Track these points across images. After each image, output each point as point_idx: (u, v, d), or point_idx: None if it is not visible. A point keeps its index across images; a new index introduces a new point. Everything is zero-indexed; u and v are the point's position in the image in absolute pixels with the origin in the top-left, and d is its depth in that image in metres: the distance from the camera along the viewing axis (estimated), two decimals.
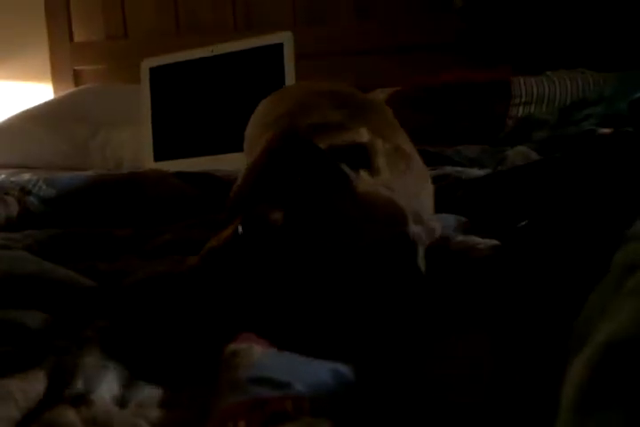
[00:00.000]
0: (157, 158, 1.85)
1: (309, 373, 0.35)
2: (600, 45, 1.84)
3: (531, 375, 0.30)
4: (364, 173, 0.58)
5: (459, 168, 1.27)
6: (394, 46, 2.18)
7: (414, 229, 0.54)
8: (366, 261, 0.49)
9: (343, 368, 0.37)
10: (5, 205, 0.91)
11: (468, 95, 1.68)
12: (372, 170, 0.59)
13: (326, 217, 0.51)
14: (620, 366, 0.21)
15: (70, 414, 0.36)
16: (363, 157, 0.60)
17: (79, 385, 0.39)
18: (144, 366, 0.42)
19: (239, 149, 0.99)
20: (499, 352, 0.33)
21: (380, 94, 1.83)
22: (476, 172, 1.24)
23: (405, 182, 0.62)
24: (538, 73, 1.72)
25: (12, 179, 1.72)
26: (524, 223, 0.63)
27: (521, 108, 1.61)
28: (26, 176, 1.91)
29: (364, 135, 0.64)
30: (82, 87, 2.53)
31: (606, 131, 0.67)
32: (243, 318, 0.46)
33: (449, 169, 1.22)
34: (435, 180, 0.97)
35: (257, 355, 0.38)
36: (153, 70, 1.91)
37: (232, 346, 0.40)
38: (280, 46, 1.74)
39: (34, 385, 0.40)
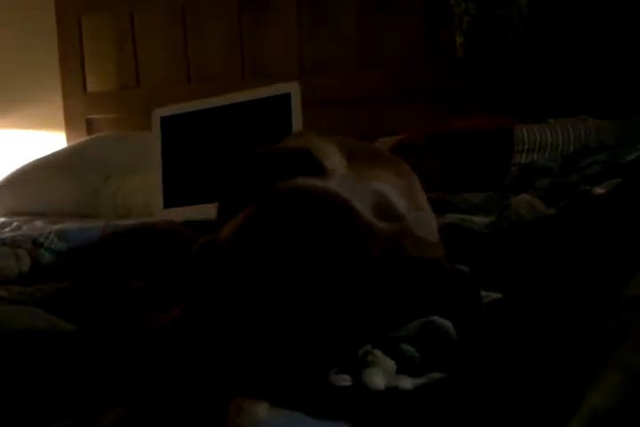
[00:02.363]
0: (167, 205, 1.88)
1: None
2: (602, 92, 1.88)
3: None
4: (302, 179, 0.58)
5: (463, 216, 1.29)
6: (398, 94, 2.23)
7: (377, 229, 0.53)
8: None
9: None
10: (17, 258, 0.92)
11: (472, 143, 1.70)
12: (322, 172, 0.61)
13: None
14: None
15: None
16: (309, 161, 0.62)
17: None
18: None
19: None
20: (487, 409, 0.34)
21: (384, 144, 1.86)
22: (480, 219, 1.25)
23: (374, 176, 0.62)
24: (540, 120, 1.75)
25: (24, 228, 1.75)
26: (524, 278, 0.65)
27: (524, 156, 1.63)
28: (38, 224, 1.94)
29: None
30: (94, 136, 2.59)
31: (601, 191, 0.69)
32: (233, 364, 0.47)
33: (452, 217, 1.24)
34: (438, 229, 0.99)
35: (262, 414, 0.39)
36: (164, 119, 1.96)
37: (237, 401, 0.41)
38: (287, 96, 1.78)
39: None
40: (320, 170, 0.64)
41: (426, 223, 0.72)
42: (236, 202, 0.63)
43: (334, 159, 0.68)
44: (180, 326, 0.52)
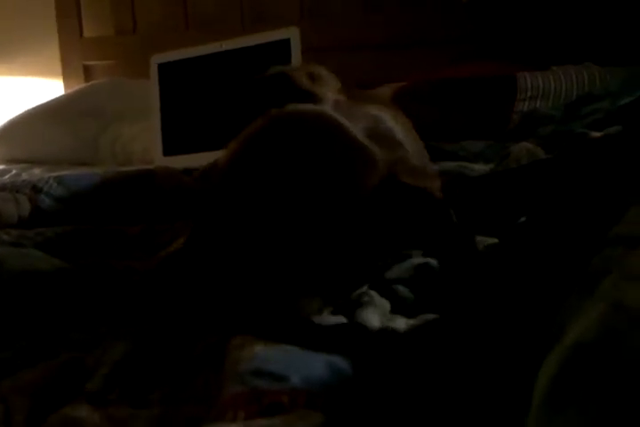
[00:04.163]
0: (167, 153, 1.88)
1: (306, 366, 0.37)
2: (607, 40, 1.84)
3: (508, 373, 0.31)
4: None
5: (462, 163, 1.28)
6: (400, 41, 2.18)
7: (370, 154, 0.53)
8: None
9: (340, 361, 0.39)
10: (17, 203, 0.93)
11: (474, 90, 1.68)
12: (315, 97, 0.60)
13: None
14: (585, 367, 0.23)
15: (88, 411, 0.38)
16: (287, 85, 0.62)
17: (98, 383, 0.41)
18: (156, 362, 0.44)
19: None
20: (479, 347, 0.35)
21: (387, 90, 1.84)
22: (480, 167, 1.25)
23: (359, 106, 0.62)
24: (543, 68, 1.72)
25: (24, 176, 1.75)
26: (520, 221, 0.65)
27: (526, 103, 1.61)
28: (36, 171, 1.94)
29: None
30: (91, 83, 2.55)
31: (597, 134, 0.69)
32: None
33: (451, 165, 1.23)
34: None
35: (258, 348, 0.40)
36: (162, 66, 1.93)
37: (237, 339, 0.42)
38: (287, 42, 1.75)
39: (48, 379, 0.42)
40: (313, 95, 0.63)
41: (423, 155, 0.71)
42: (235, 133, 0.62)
43: (328, 84, 0.67)
44: (182, 256, 0.52)
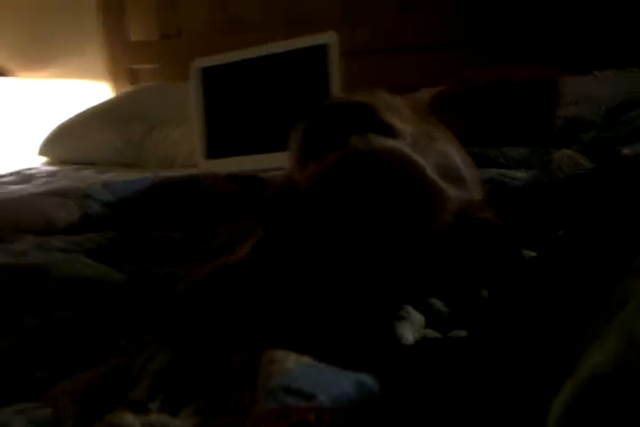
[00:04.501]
0: (210, 156, 1.91)
1: (334, 384, 0.39)
2: None
3: (527, 395, 0.32)
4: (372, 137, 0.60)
5: (503, 170, 1.28)
6: (437, 43, 2.17)
7: (442, 190, 0.55)
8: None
9: (368, 380, 0.40)
10: (67, 208, 0.97)
11: (516, 94, 1.66)
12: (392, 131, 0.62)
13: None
14: (599, 399, 0.24)
15: (130, 418, 0.41)
16: (368, 115, 0.64)
17: (141, 392, 0.43)
18: (195, 374, 0.46)
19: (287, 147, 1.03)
20: (503, 368, 0.36)
21: (425, 94, 1.83)
22: (521, 174, 1.24)
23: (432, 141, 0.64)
24: (585, 73, 1.70)
25: (74, 176, 1.81)
26: (558, 235, 0.65)
27: (569, 109, 1.59)
28: (85, 173, 2.01)
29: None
30: (138, 86, 2.62)
31: (627, 152, 0.69)
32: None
33: (492, 172, 1.23)
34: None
35: (290, 364, 0.42)
36: (205, 70, 1.97)
37: (269, 353, 0.44)
38: (325, 47, 1.76)
39: (94, 386, 0.45)
40: (390, 128, 0.65)
41: (478, 182, 0.73)
42: (308, 153, 0.64)
43: (404, 117, 0.69)
44: (245, 266, 0.55)
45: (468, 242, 0.55)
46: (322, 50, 1.74)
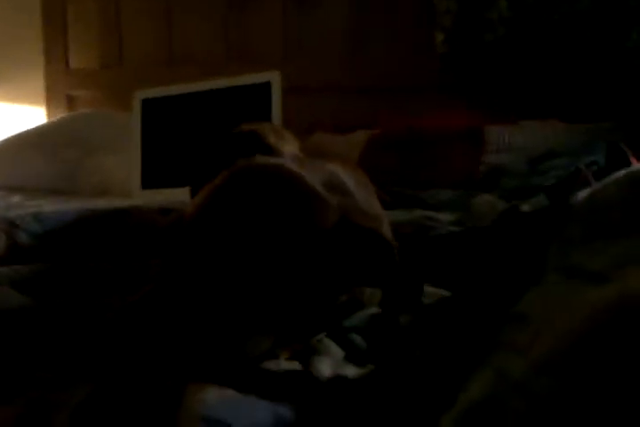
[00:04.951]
0: (145, 186, 1.92)
1: (251, 414, 0.41)
2: (574, 96, 1.94)
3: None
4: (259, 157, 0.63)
5: (429, 213, 1.35)
6: (379, 86, 2.26)
7: (324, 198, 0.57)
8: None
9: (284, 410, 0.43)
10: None
11: (444, 141, 1.76)
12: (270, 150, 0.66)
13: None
14: (474, 421, 0.28)
15: None
16: (255, 141, 0.68)
17: (63, 424, 0.44)
18: (117, 407, 0.47)
19: None
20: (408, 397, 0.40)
21: (362, 135, 1.91)
22: (445, 216, 1.31)
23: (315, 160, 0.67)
24: (512, 120, 1.81)
25: (0, 203, 1.77)
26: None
27: (493, 156, 1.69)
28: (15, 199, 1.96)
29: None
30: (74, 113, 2.59)
31: (526, 209, 0.76)
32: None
33: (418, 213, 1.30)
34: (401, 226, 1.04)
35: (210, 395, 0.44)
36: (145, 102, 1.98)
37: (193, 385, 0.46)
38: (268, 85, 1.82)
39: (17, 416, 0.45)
40: (277, 151, 0.69)
41: (373, 204, 0.76)
42: (204, 180, 0.67)
43: (289, 143, 0.73)
44: (150, 300, 0.56)
45: (347, 246, 0.57)
46: (264, 87, 1.79)
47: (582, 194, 0.53)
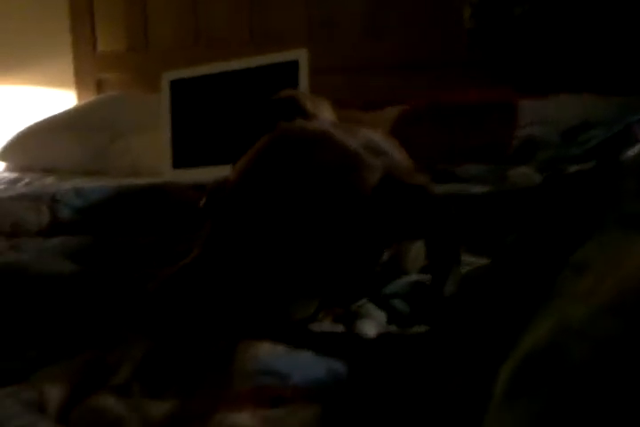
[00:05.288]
0: (176, 166, 1.93)
1: (307, 368, 0.42)
2: (605, 70, 1.90)
3: (477, 377, 0.36)
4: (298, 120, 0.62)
5: (463, 186, 1.33)
6: (406, 63, 2.24)
7: (367, 159, 0.57)
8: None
9: (337, 366, 0.43)
10: (38, 213, 0.98)
11: (476, 115, 1.74)
12: (307, 115, 0.65)
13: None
14: (534, 371, 0.28)
15: (112, 401, 0.43)
16: (293, 106, 0.67)
17: (122, 377, 0.46)
18: (173, 361, 0.48)
19: None
20: (456, 355, 0.40)
21: (391, 112, 1.89)
22: (479, 190, 1.30)
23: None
24: (544, 95, 1.78)
25: (36, 184, 1.80)
26: (508, 241, 0.70)
27: (526, 130, 1.67)
28: (48, 180, 2.00)
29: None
30: (103, 95, 2.62)
31: (572, 169, 0.75)
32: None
33: (453, 187, 1.29)
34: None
35: (265, 350, 0.45)
36: (173, 83, 1.99)
37: (245, 342, 0.47)
38: (295, 63, 1.81)
39: (75, 373, 0.47)
40: (314, 116, 0.68)
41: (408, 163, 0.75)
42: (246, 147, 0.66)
43: (326, 110, 0.73)
44: (197, 265, 0.56)
45: (393, 205, 0.56)
46: (292, 66, 1.78)
47: (633, 150, 0.52)
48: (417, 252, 0.72)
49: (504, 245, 0.64)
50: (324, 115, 0.71)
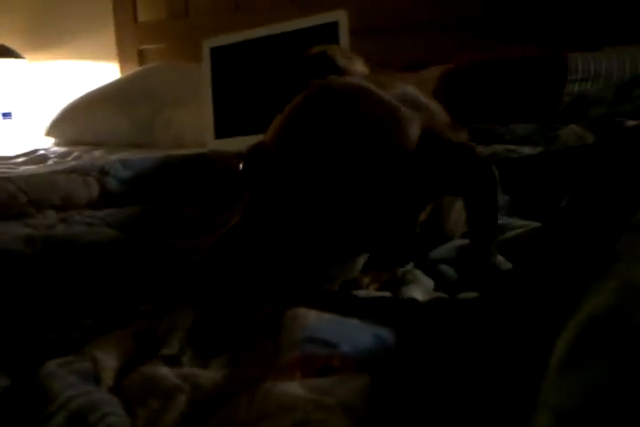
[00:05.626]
0: (219, 136, 1.93)
1: (355, 336, 0.42)
2: None
3: (534, 342, 0.35)
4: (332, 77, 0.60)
5: (510, 146, 1.29)
6: (447, 22, 2.17)
7: (406, 111, 0.55)
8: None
9: (385, 334, 0.43)
10: (87, 186, 1.00)
11: (524, 70, 1.67)
12: (341, 70, 0.63)
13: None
14: (597, 335, 0.27)
15: (163, 370, 0.44)
16: (327, 62, 0.65)
17: (172, 347, 0.46)
18: (222, 330, 0.49)
19: None
20: (511, 326, 0.39)
21: (435, 71, 1.84)
22: (528, 150, 1.26)
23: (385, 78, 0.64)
24: (596, 48, 1.70)
25: (85, 157, 1.83)
26: (562, 203, 0.67)
27: (577, 85, 1.60)
28: (96, 153, 2.04)
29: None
30: (146, 67, 2.63)
31: (632, 123, 0.70)
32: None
33: (498, 148, 1.25)
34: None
35: (312, 319, 0.44)
36: (214, 50, 1.98)
37: (292, 310, 0.47)
38: (335, 25, 1.77)
39: (127, 343, 0.48)
40: (347, 71, 0.66)
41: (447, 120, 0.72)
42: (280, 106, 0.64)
43: (359, 63, 0.70)
44: (239, 231, 0.56)
45: (438, 164, 0.54)
46: (332, 28, 1.75)
47: None
48: (459, 215, 0.70)
49: (558, 208, 0.61)
50: (359, 70, 0.68)
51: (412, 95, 0.61)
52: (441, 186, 0.55)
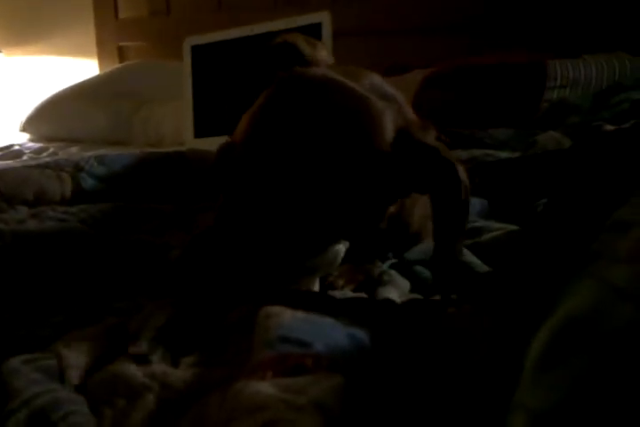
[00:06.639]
0: (198, 135, 1.92)
1: (329, 335, 0.41)
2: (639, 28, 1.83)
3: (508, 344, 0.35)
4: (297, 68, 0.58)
5: (489, 151, 1.30)
6: (429, 26, 2.18)
7: (379, 104, 0.54)
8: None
9: (360, 334, 0.42)
10: (61, 181, 0.98)
11: (503, 76, 1.68)
12: (306, 59, 0.62)
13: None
14: (575, 336, 0.26)
15: (132, 368, 0.42)
16: (291, 52, 0.64)
17: (142, 345, 0.45)
18: (193, 329, 0.48)
19: None
20: (490, 324, 0.39)
21: (417, 75, 1.85)
22: (506, 155, 1.27)
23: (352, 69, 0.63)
24: (574, 56, 1.72)
25: (61, 154, 1.81)
26: (538, 205, 0.67)
27: (556, 92, 1.62)
28: (73, 150, 2.01)
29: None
30: (125, 64, 2.60)
31: (610, 128, 0.71)
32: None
33: (477, 152, 1.25)
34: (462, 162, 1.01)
35: (287, 317, 0.44)
36: (195, 48, 1.96)
37: (265, 309, 0.46)
38: (318, 26, 1.77)
39: (97, 340, 0.47)
40: (314, 60, 0.64)
41: (410, 110, 0.70)
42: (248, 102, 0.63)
43: (322, 50, 0.69)
44: (214, 229, 0.55)
45: (409, 162, 0.52)
46: (315, 29, 1.74)
47: None
48: (423, 210, 0.69)
49: (535, 210, 0.61)
50: (324, 56, 0.67)
51: (379, 85, 0.60)
52: (408, 183, 0.55)
